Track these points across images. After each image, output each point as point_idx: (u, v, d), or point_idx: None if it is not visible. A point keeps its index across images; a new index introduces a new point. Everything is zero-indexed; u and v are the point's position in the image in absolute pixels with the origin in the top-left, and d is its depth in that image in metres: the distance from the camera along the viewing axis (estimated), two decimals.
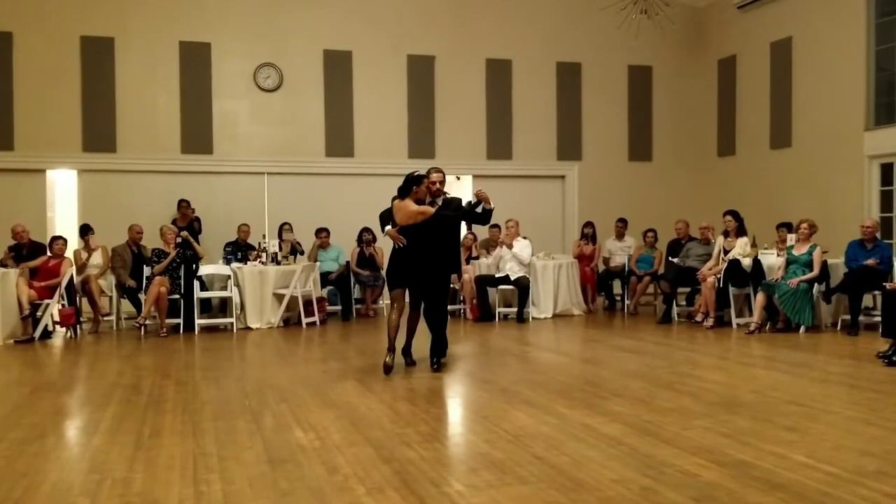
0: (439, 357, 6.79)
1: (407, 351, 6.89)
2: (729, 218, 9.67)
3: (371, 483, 3.66)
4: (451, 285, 10.99)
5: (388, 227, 6.66)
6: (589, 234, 11.85)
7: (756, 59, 12.69)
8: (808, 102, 11.75)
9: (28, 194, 11.51)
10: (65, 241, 9.71)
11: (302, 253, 11.21)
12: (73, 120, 11.59)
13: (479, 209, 6.69)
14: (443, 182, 6.84)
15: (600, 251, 11.90)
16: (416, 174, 6.68)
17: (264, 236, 10.98)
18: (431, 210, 6.61)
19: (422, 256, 6.55)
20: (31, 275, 9.26)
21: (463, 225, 12.48)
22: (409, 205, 6.60)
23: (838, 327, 8.97)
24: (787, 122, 12.14)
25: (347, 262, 11.18)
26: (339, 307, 11.05)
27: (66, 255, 9.66)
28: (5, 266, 9.13)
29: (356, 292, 11.26)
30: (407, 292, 6.73)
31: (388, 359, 6.49)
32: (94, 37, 11.63)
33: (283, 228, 11.23)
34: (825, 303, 9.12)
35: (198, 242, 10.46)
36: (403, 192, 6.68)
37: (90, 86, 11.64)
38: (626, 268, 11.43)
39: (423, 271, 6.58)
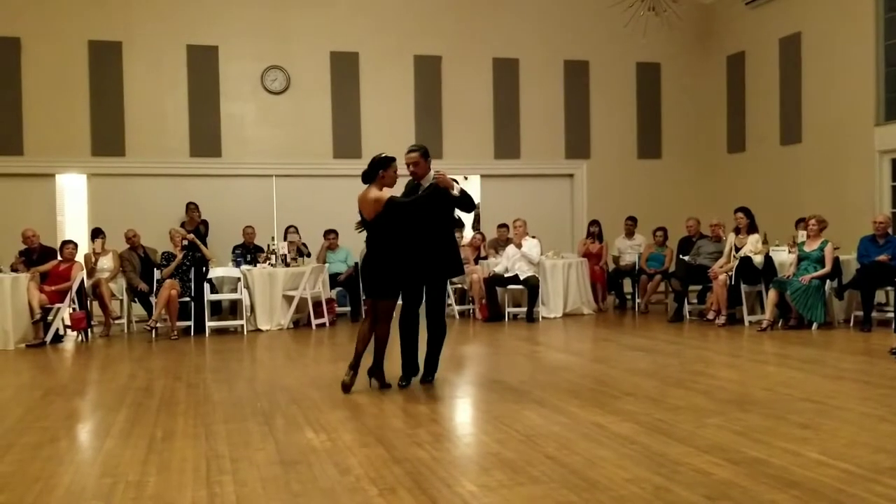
0: (428, 374, 6.11)
1: (379, 369, 5.89)
2: (740, 215, 9.62)
3: (383, 484, 3.66)
4: (461, 286, 11.06)
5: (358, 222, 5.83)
6: (595, 232, 11.80)
7: (765, 56, 12.62)
8: (818, 98, 11.68)
9: (38, 199, 11.54)
10: (75, 245, 9.74)
11: (308, 255, 11.20)
12: (81, 124, 11.62)
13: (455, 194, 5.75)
14: (416, 163, 5.82)
15: (608, 249, 11.86)
16: (383, 155, 5.71)
17: (273, 238, 10.99)
18: (385, 196, 5.62)
19: (409, 256, 5.69)
20: (41, 279, 9.30)
21: (469, 224, 12.56)
22: (368, 193, 5.63)
23: (851, 324, 8.93)
24: (796, 118, 12.07)
25: (356, 264, 11.15)
26: (348, 308, 11.04)
27: (77, 259, 9.69)
28: (16, 270, 9.16)
29: None
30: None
31: (347, 377, 5.71)
32: (101, 41, 11.66)
33: (289, 231, 11.23)
34: (837, 299, 9.09)
35: (205, 245, 10.47)
36: (368, 178, 5.65)
37: (98, 90, 11.67)
38: (637, 266, 11.39)
39: (416, 274, 5.77)
